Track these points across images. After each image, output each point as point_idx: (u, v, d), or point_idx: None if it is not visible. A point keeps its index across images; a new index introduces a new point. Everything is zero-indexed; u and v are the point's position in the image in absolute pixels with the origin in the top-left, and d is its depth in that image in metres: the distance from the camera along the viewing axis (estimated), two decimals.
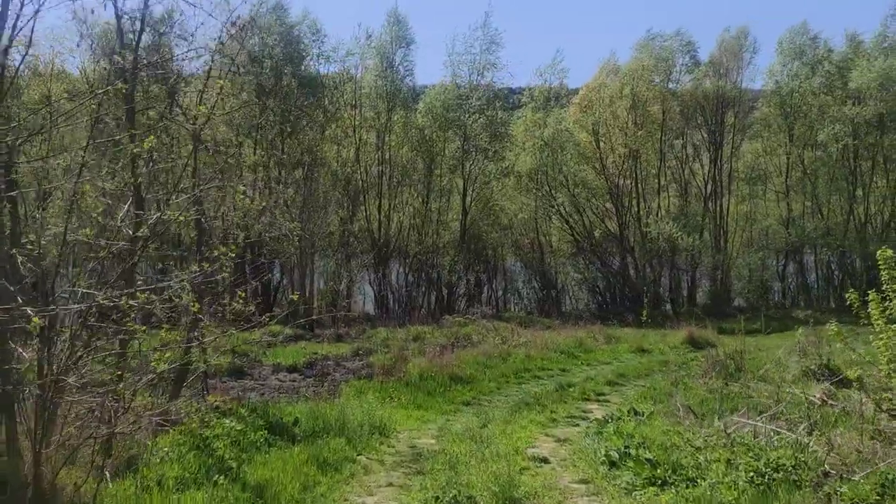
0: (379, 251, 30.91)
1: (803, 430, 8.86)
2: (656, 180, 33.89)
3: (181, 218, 7.32)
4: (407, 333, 20.43)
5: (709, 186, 34.37)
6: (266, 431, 7.65)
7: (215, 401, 8.13)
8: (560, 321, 24.52)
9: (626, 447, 6.77)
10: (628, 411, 9.32)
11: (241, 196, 14.87)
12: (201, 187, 9.44)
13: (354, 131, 32.23)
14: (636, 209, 33.09)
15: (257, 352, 16.07)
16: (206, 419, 7.26)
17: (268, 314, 9.20)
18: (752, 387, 12.01)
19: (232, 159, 29.52)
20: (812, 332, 19.51)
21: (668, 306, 33.29)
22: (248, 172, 29.99)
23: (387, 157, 32.51)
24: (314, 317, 18.52)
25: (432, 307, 31.27)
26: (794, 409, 10.80)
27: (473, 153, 32.61)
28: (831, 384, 11.88)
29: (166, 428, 7.35)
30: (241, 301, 8.16)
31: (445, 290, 32.47)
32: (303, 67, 31.53)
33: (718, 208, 34.50)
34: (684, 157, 35.35)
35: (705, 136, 34.90)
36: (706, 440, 6.61)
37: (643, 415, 9.30)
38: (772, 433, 7.31)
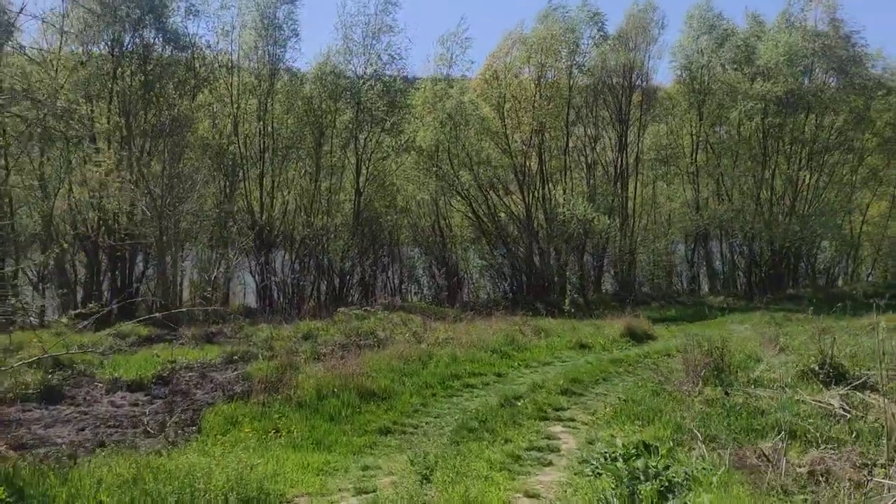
0: (260, 234, 26.78)
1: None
2: (562, 160, 31.59)
3: None
4: (295, 330, 16.75)
5: (617, 167, 32.48)
6: None
7: None
8: (472, 312, 21.50)
9: None
10: (636, 445, 6.28)
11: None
12: None
13: (232, 99, 27.87)
14: (542, 190, 30.64)
15: (92, 362, 11.94)
16: None
17: (74, 311, 5.59)
18: (752, 394, 9.38)
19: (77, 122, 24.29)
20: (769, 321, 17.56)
21: (577, 294, 31.15)
22: (102, 142, 25.34)
23: (269, 129, 28.37)
24: (170, 311, 14.36)
25: (323, 298, 27.50)
26: (814, 421, 8.23)
27: (368, 125, 29.04)
28: (849, 388, 9.45)
29: None
30: None
31: (338, 279, 28.78)
32: (169, 22, 26.75)
33: (624, 191, 32.73)
34: (591, 136, 33.23)
35: (613, 114, 32.97)
36: None
37: (657, 450, 6.31)
38: None
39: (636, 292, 31.80)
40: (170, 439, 7.65)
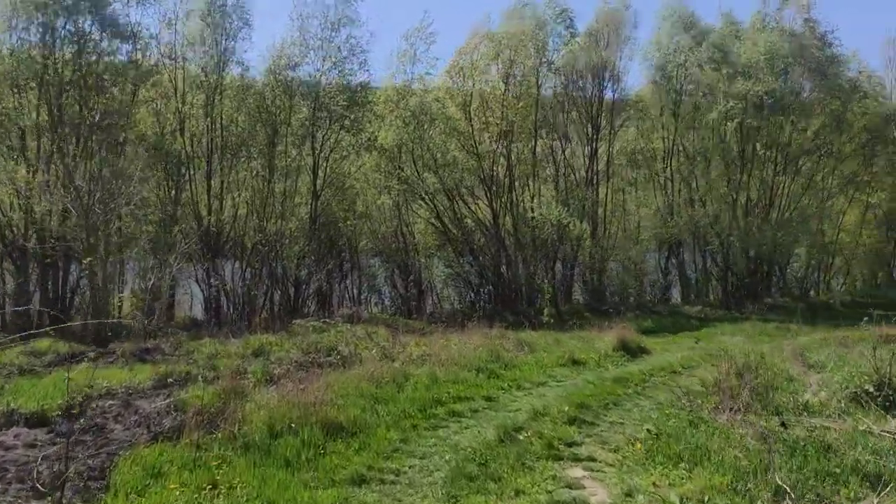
0: (207, 237, 24.48)
1: None
2: (531, 164, 29.96)
3: None
4: (245, 345, 14.63)
5: (588, 171, 31.01)
6: None
7: None
8: (443, 324, 19.64)
9: None
10: None
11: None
12: None
13: (176, 93, 25.54)
14: (510, 195, 28.94)
15: None
16: None
17: None
18: (810, 424, 7.70)
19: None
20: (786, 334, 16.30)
21: (549, 304, 29.47)
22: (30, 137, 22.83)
23: (217, 126, 26.09)
24: (62, 324, 11.99)
25: (277, 309, 25.28)
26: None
27: (327, 122, 26.97)
28: None
29: None
30: None
31: (293, 289, 26.55)
32: (108, 9, 24.34)
33: (595, 197, 31.26)
34: (560, 139, 31.70)
35: (583, 116, 31.54)
36: None
37: None
38: None
39: (608, 302, 30.36)
40: (64, 502, 5.57)
